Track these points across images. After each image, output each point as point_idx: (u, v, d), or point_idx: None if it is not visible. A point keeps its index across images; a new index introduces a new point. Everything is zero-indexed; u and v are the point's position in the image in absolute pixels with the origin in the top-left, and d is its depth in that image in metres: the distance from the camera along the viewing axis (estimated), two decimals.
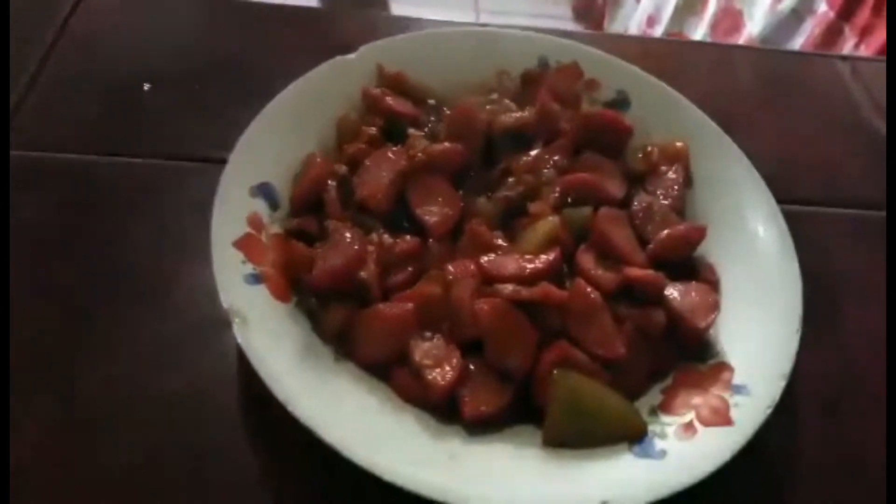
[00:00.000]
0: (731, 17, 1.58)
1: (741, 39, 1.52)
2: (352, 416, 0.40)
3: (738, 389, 0.43)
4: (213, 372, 0.45)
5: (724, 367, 0.44)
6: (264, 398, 0.38)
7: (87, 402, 0.43)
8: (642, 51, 0.71)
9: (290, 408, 0.38)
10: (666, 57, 0.72)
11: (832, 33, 1.32)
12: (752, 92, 0.70)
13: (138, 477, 0.40)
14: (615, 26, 2.09)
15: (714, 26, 1.65)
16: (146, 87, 0.64)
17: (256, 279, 0.44)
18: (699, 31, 1.72)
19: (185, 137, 0.59)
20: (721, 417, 0.41)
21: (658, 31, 1.85)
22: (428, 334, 0.44)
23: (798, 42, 1.40)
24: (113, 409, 0.43)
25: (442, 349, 0.43)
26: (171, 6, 0.72)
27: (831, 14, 1.32)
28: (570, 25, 2.19)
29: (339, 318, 0.43)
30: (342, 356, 0.43)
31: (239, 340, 0.40)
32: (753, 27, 1.51)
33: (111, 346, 0.46)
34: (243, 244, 0.45)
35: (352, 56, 0.56)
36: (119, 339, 0.46)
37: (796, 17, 1.38)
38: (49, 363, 0.45)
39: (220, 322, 0.42)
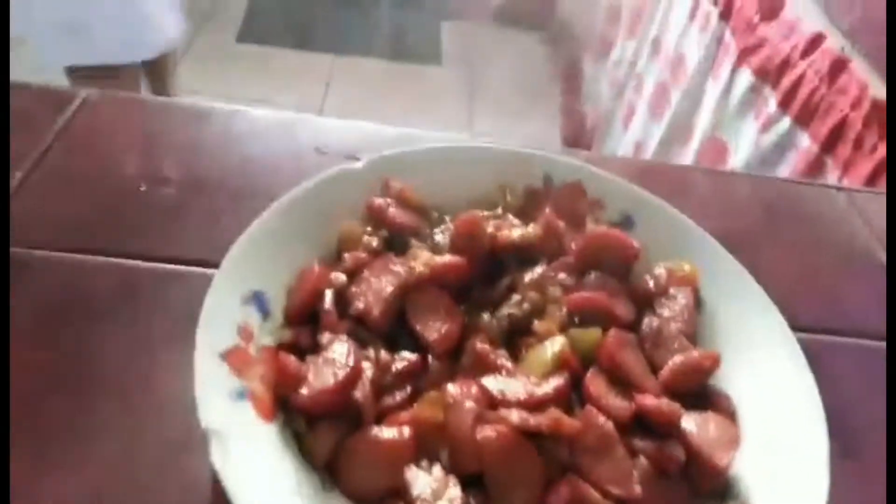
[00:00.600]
0: (716, 148, 1.64)
1: (726, 169, 1.57)
2: None
3: None
4: (183, 500, 0.40)
5: None
6: None
7: None
8: (642, 173, 0.71)
9: None
10: (665, 180, 0.72)
11: (815, 167, 1.36)
12: (751, 218, 0.70)
13: None
14: (603, 153, 2.16)
15: (699, 156, 1.70)
16: (142, 187, 0.62)
17: (241, 395, 0.40)
18: (685, 160, 1.77)
19: (175, 240, 0.57)
20: None
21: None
22: (424, 464, 0.40)
23: (782, 174, 1.44)
24: None
25: (441, 482, 0.39)
26: (171, 111, 0.72)
27: (815, 148, 1.37)
28: (560, 151, 2.27)
29: (329, 442, 0.40)
30: (330, 485, 0.39)
31: (215, 465, 0.36)
32: (737, 159, 1.57)
33: (72, 467, 0.41)
34: (231, 356, 0.42)
35: (357, 166, 0.55)
36: (81, 460, 0.42)
37: (780, 150, 1.42)
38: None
39: (194, 443, 0.38)
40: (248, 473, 0.37)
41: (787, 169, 1.44)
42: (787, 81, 1.42)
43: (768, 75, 1.48)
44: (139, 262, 0.56)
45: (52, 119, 0.67)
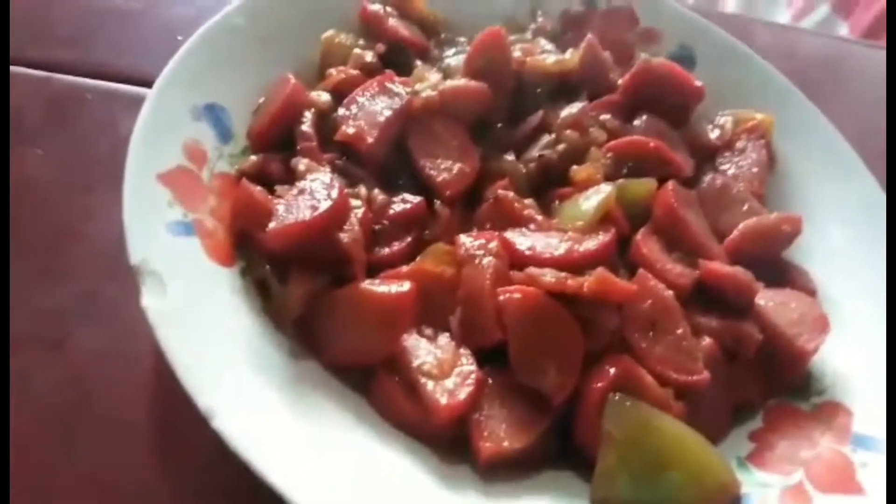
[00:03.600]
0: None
1: None
2: (309, 448, 0.26)
3: (862, 441, 0.30)
4: (116, 354, 0.31)
5: (836, 407, 0.32)
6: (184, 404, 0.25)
7: None
8: None
9: (216, 425, 0.24)
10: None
11: None
12: (815, 77, 0.58)
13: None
14: None
15: None
16: None
17: (187, 229, 0.30)
18: None
19: (123, 53, 0.46)
20: (844, 481, 0.29)
21: None
22: (429, 331, 0.30)
23: None
24: None
25: (450, 354, 0.29)
26: None
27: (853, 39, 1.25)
28: None
29: (303, 295, 0.30)
30: (303, 352, 0.30)
31: (148, 316, 0.26)
32: None
33: None
34: (173, 179, 0.31)
35: None
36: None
37: None
38: None
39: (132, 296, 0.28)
40: (191, 329, 0.27)
41: None
42: None
43: None
44: (75, 78, 0.44)
45: None
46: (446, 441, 0.28)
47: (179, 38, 0.47)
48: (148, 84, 0.44)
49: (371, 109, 0.36)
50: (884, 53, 0.67)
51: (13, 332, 0.32)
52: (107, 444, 0.29)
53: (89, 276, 0.34)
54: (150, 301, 0.27)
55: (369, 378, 0.30)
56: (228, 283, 0.30)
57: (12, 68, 0.43)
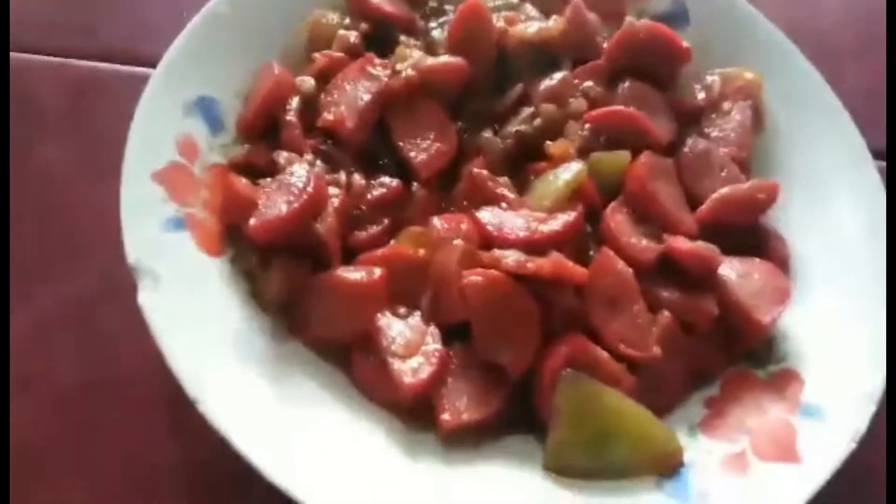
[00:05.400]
0: None
1: None
2: (286, 425, 0.29)
3: (809, 411, 0.32)
4: (122, 342, 0.35)
5: (791, 376, 0.34)
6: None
7: None
8: None
9: (201, 409, 0.28)
10: None
11: None
12: (837, 18, 0.56)
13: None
14: None
15: None
16: None
17: (179, 224, 0.33)
18: None
19: (138, 34, 0.48)
20: (784, 449, 0.31)
21: None
22: (402, 310, 0.33)
23: None
24: None
25: (418, 333, 0.32)
26: None
27: None
28: None
29: (283, 282, 0.33)
30: (286, 333, 0.33)
31: (143, 310, 0.30)
32: None
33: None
34: (167, 176, 0.34)
35: None
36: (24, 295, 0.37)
37: None
38: None
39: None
40: (184, 321, 0.30)
41: None
42: None
43: None
44: (88, 63, 0.47)
45: None
46: (415, 412, 0.31)
47: (185, 14, 0.50)
48: (139, 62, 0.47)
49: (352, 94, 0.38)
50: None
51: (40, 313, 0.36)
52: (126, 421, 0.33)
53: (106, 260, 0.38)
54: (145, 297, 0.30)
55: (348, 354, 0.33)
56: (218, 272, 0.33)
57: (29, 57, 0.47)
